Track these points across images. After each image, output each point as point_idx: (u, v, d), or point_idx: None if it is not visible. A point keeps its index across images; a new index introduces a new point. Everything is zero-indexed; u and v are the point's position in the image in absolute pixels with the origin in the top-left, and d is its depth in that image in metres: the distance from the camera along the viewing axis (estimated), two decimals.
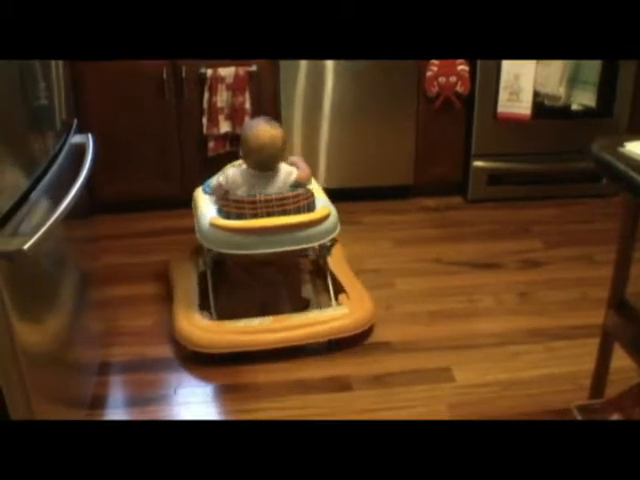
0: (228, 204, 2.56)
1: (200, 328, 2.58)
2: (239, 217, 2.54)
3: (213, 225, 2.54)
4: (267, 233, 2.55)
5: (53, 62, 2.13)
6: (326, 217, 2.62)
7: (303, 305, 2.84)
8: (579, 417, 1.94)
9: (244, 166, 2.67)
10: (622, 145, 1.73)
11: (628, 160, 1.65)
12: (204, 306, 2.71)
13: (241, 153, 2.69)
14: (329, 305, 2.78)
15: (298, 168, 2.72)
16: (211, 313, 2.66)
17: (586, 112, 3.79)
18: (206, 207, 2.67)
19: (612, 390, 2.12)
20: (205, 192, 2.78)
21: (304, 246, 2.65)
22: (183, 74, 3.47)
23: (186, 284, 2.87)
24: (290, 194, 2.59)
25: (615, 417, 1.88)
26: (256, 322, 2.61)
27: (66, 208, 1.95)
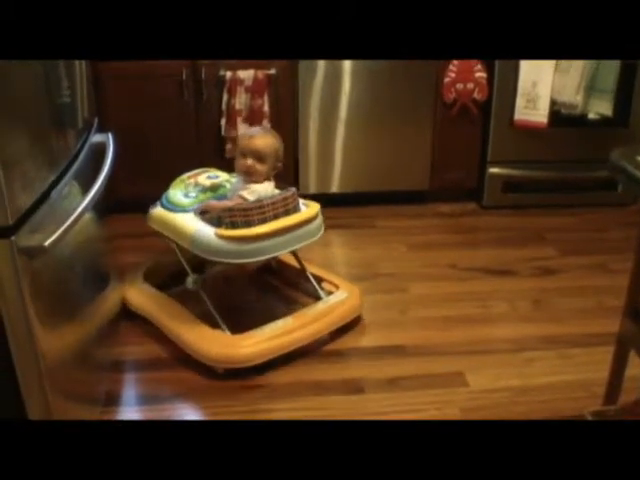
0: (233, 214, 2.48)
1: (231, 345, 2.52)
2: (247, 224, 2.49)
3: (230, 237, 2.46)
4: (282, 234, 2.53)
5: (76, 61, 2.15)
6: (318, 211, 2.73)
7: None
8: None
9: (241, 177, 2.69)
10: None
11: None
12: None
13: (271, 166, 2.65)
14: (318, 297, 2.83)
15: None
16: (223, 330, 2.58)
17: (603, 121, 3.79)
18: (192, 223, 2.57)
19: (625, 398, 2.12)
20: (169, 209, 2.68)
21: (307, 242, 2.65)
22: (202, 75, 3.49)
23: (174, 310, 2.71)
24: (289, 194, 2.61)
25: None
26: (279, 324, 2.59)
27: (86, 206, 1.97)
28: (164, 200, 2.73)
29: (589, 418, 1.98)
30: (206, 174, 2.87)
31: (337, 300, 2.79)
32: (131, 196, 3.60)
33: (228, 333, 2.56)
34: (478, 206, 4.01)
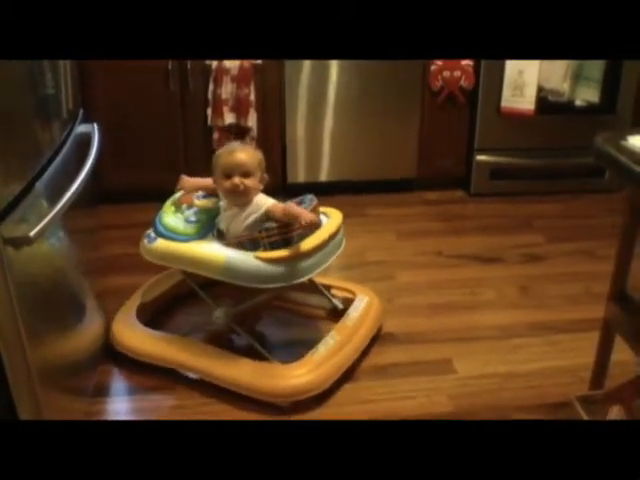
0: (273, 233, 2.28)
1: (294, 376, 2.30)
2: (287, 243, 2.29)
3: (275, 259, 2.24)
4: (321, 249, 2.34)
5: None
6: None
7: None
8: (579, 408, 1.96)
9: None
10: (624, 139, 1.74)
11: (630, 153, 1.67)
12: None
13: (258, 179, 2.36)
14: (333, 307, 2.74)
15: None
16: (271, 361, 2.39)
17: (589, 108, 3.81)
18: (220, 250, 2.31)
19: (611, 383, 2.14)
20: (175, 239, 2.37)
21: (337, 254, 2.44)
22: (188, 65, 3.48)
23: (202, 350, 2.44)
24: (314, 203, 2.41)
25: (615, 409, 1.90)
26: (330, 343, 2.42)
27: (71, 197, 1.97)
28: (162, 230, 2.40)
29: (576, 403, 1.99)
30: (194, 194, 2.54)
31: (365, 306, 2.65)
32: (118, 187, 3.60)
33: (278, 363, 2.37)
34: (466, 194, 4.02)
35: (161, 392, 2.41)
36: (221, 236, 2.41)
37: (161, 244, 2.38)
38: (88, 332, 2.42)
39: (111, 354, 2.56)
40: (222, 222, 2.41)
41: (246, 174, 2.31)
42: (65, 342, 2.15)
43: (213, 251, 2.32)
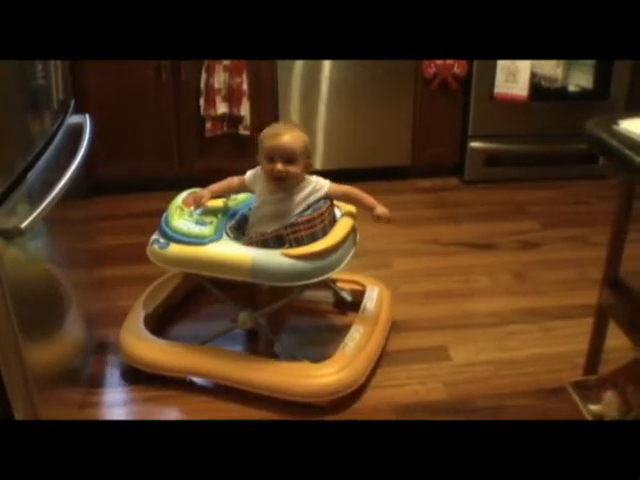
0: (298, 228, 2.21)
1: (329, 374, 2.24)
2: (312, 238, 2.22)
3: (304, 255, 2.15)
4: (345, 241, 2.29)
5: None
6: None
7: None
8: (573, 393, 1.96)
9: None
10: (616, 123, 1.74)
11: (622, 138, 1.67)
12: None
13: (302, 164, 2.27)
14: (341, 300, 2.75)
15: None
16: (302, 361, 2.32)
17: (583, 93, 3.81)
18: (243, 250, 2.21)
19: (606, 369, 2.14)
20: (190, 243, 2.23)
21: (356, 246, 2.41)
22: None
23: (229, 356, 2.36)
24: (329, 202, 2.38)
25: (609, 394, 1.90)
26: (357, 336, 2.38)
27: (63, 187, 1.95)
28: (172, 234, 2.25)
29: (570, 389, 2.00)
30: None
31: (378, 296, 2.64)
32: (110, 177, 3.59)
33: (309, 363, 2.29)
34: (460, 181, 4.02)
35: (156, 382, 2.40)
36: (238, 235, 2.34)
37: (176, 249, 2.23)
38: (83, 323, 2.42)
39: (105, 345, 2.56)
40: (261, 209, 2.33)
41: (290, 160, 2.21)
42: (59, 334, 2.14)
43: (237, 252, 2.20)
